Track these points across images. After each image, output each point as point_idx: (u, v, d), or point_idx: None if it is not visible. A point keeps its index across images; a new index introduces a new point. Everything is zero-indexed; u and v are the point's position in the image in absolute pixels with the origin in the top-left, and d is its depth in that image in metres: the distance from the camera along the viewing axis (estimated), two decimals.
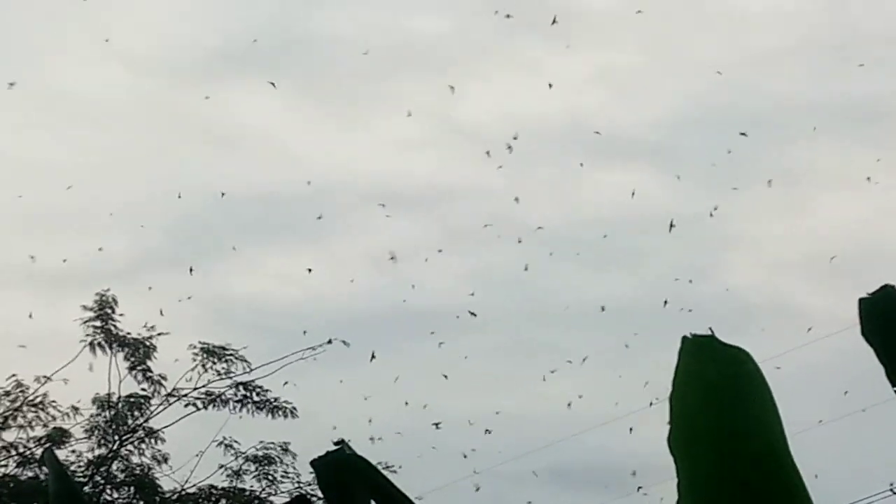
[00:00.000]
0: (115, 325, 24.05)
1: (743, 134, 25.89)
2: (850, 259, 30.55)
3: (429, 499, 23.63)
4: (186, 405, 24.07)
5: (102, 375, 23.99)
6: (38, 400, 23.99)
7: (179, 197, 26.73)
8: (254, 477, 24.25)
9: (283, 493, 24.26)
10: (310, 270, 28.37)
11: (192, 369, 24.00)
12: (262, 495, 24.20)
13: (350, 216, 29.51)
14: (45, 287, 29.92)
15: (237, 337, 25.01)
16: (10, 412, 23.86)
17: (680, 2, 32.27)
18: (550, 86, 26.78)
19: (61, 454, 23.10)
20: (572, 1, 33.43)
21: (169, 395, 24.08)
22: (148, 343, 24.07)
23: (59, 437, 23.83)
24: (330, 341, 24.09)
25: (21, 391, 24.01)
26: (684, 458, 3.24)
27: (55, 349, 24.95)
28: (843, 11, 33.90)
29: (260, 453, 24.29)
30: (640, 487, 24.62)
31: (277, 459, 24.30)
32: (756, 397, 3.25)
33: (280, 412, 24.03)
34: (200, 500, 24.20)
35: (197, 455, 24.07)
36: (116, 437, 24.17)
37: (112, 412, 24.10)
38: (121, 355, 24.05)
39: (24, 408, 23.97)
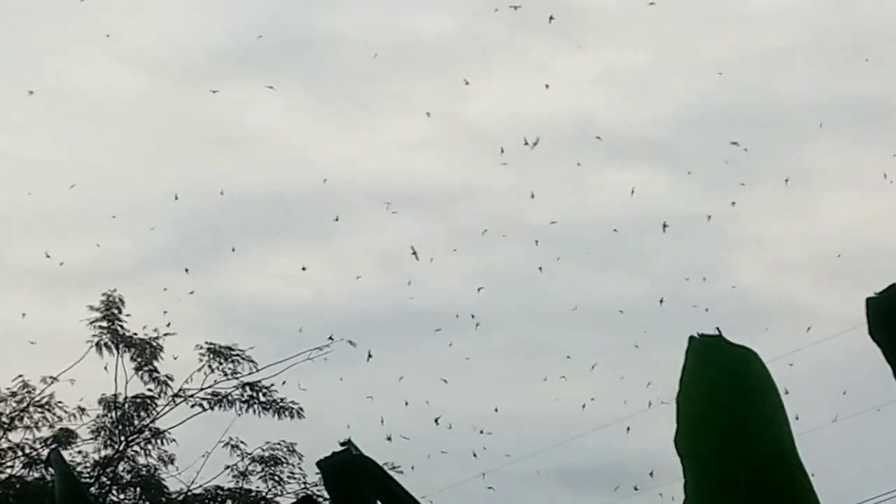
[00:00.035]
0: (121, 326, 24.07)
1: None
2: (856, 258, 30.53)
3: (436, 499, 23.64)
4: (193, 406, 24.09)
5: (109, 376, 24.03)
6: (45, 401, 24.02)
7: (176, 199, 26.71)
8: (260, 478, 24.27)
9: (289, 493, 24.27)
10: (304, 269, 28.35)
11: (199, 370, 24.04)
12: (269, 496, 24.20)
13: (354, 216, 29.51)
14: (51, 287, 29.95)
15: (244, 337, 24.97)
16: (17, 413, 23.88)
17: (685, 1, 32.26)
18: (547, 86, 26.76)
19: (67, 455, 23.11)
20: (578, 1, 33.45)
21: (175, 395, 24.09)
22: (154, 343, 24.08)
23: (65, 437, 23.84)
24: (331, 338, 24.14)
25: (27, 392, 24.04)
26: (691, 458, 3.23)
27: (61, 350, 24.93)
28: (849, 11, 33.87)
29: (266, 454, 24.29)
30: (636, 487, 24.62)
31: (284, 460, 24.31)
32: (763, 397, 3.24)
33: (286, 413, 24.04)
34: (207, 501, 24.20)
35: (203, 456, 24.10)
36: (123, 438, 24.18)
37: (118, 413, 24.11)
38: (127, 356, 24.07)
39: (31, 408, 23.99)
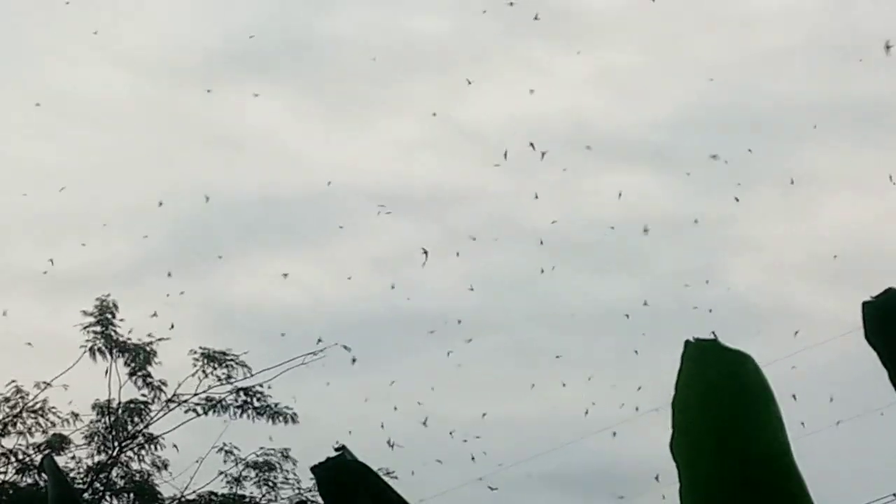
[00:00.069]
0: (115, 331, 24.04)
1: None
2: (855, 261, 30.55)
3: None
4: (186, 411, 24.08)
5: (102, 381, 24.01)
6: (38, 406, 23.98)
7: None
8: (254, 483, 24.25)
9: (283, 499, 24.27)
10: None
11: (193, 374, 24.01)
12: (263, 502, 24.19)
13: (351, 219, 29.49)
14: (44, 292, 29.91)
15: (238, 342, 25.02)
16: (10, 418, 23.85)
17: (682, 2, 32.27)
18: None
19: (61, 461, 23.07)
20: (574, 1, 33.47)
21: (169, 400, 24.07)
22: (148, 348, 24.06)
23: (58, 443, 23.81)
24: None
25: (20, 397, 24.00)
26: (686, 462, 3.23)
27: (55, 355, 24.91)
28: (846, 12, 33.90)
29: (260, 459, 24.28)
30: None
31: (278, 465, 24.29)
32: (758, 401, 3.24)
33: (280, 418, 24.03)
34: None
35: (197, 461, 24.08)
36: (116, 444, 24.15)
37: (112, 418, 24.08)
38: (121, 361, 24.05)
39: (24, 414, 23.95)
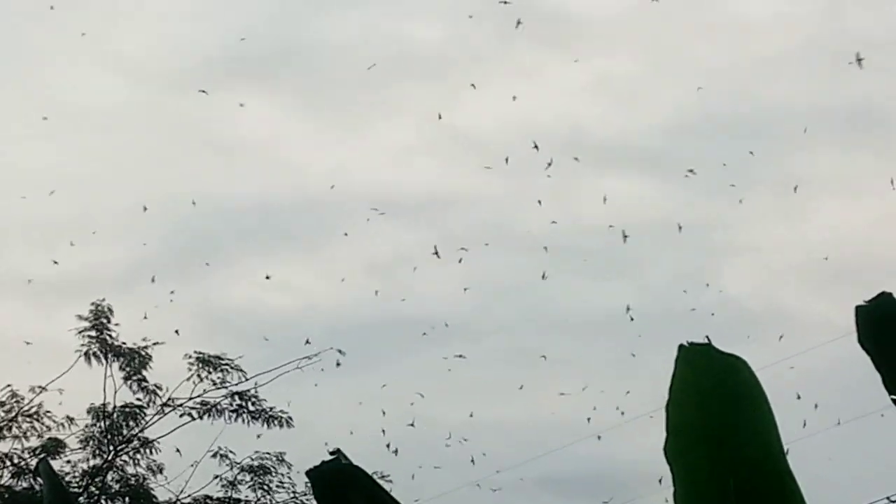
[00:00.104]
0: (110, 335, 24.03)
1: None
2: (847, 265, 30.56)
3: None
4: (182, 415, 24.05)
5: (97, 385, 23.98)
6: (33, 410, 23.96)
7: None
8: (249, 487, 24.23)
9: (278, 502, 24.25)
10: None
11: (188, 379, 23.99)
12: None
13: (347, 224, 29.48)
14: (39, 296, 29.87)
15: (233, 346, 24.93)
16: (5, 422, 23.82)
17: (678, 9, 32.29)
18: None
19: (56, 465, 23.05)
20: (571, 8, 33.50)
21: (164, 404, 24.04)
22: (143, 353, 24.04)
23: (54, 447, 23.78)
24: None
25: (16, 401, 23.98)
26: (680, 466, 3.23)
27: (50, 359, 24.88)
28: (842, 17, 33.94)
29: (255, 463, 24.26)
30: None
31: (273, 469, 24.27)
32: (752, 405, 3.25)
33: (275, 422, 24.02)
34: None
35: (192, 465, 24.05)
36: (111, 448, 24.12)
37: (107, 422, 24.06)
38: (116, 365, 24.03)
39: (19, 418, 23.93)
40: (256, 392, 24.04)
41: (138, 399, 24.11)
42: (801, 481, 3.23)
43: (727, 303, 28.27)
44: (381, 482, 3.69)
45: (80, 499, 23.41)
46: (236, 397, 24.03)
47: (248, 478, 24.24)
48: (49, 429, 24.01)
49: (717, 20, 32.79)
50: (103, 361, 23.97)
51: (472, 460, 24.80)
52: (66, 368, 23.74)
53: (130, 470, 24.24)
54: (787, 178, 29.64)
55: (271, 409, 24.03)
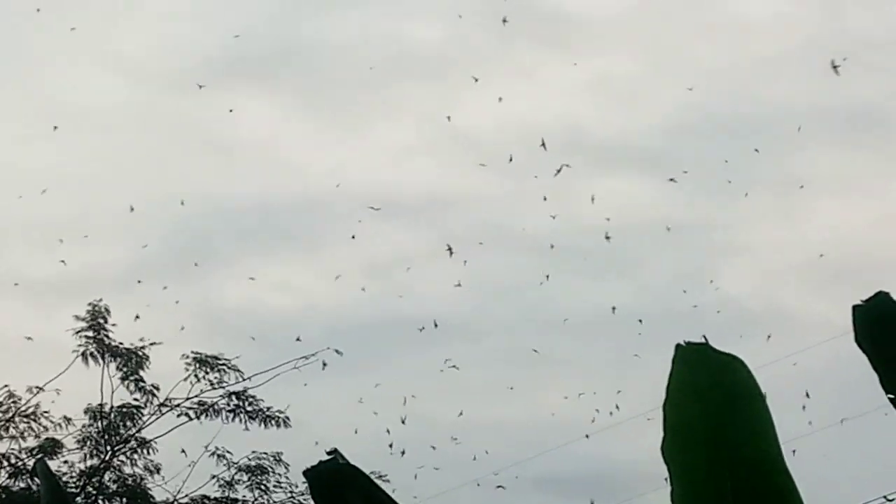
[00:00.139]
0: (107, 336, 24.02)
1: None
2: (846, 265, 30.58)
3: None
4: (179, 415, 24.05)
5: (94, 386, 23.98)
6: (30, 411, 23.95)
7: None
8: (246, 487, 24.23)
9: (276, 503, 24.24)
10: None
11: (185, 379, 23.99)
12: None
13: (346, 224, 29.48)
14: (37, 297, 29.86)
15: (230, 346, 24.92)
16: (2, 423, 23.81)
17: (677, 9, 32.30)
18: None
19: (53, 465, 23.04)
20: (570, 8, 33.51)
21: (161, 405, 24.04)
22: (140, 353, 24.03)
23: (51, 447, 23.77)
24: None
25: (13, 402, 23.97)
26: (677, 465, 3.23)
27: (47, 360, 24.87)
28: (840, 18, 33.95)
29: (252, 463, 24.25)
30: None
31: (270, 469, 24.27)
32: (749, 404, 3.25)
33: (272, 422, 24.01)
34: None
35: (189, 465, 24.05)
36: (108, 448, 24.12)
37: (104, 422, 24.05)
38: (113, 365, 24.02)
39: (16, 418, 23.92)
40: (247, 391, 24.03)
41: (135, 399, 24.11)
42: (799, 480, 3.23)
43: (727, 302, 28.27)
44: (378, 482, 3.69)
45: (78, 499, 23.40)
46: (233, 397, 24.03)
47: (245, 478, 24.24)
48: (46, 429, 24.02)
49: (716, 20, 32.81)
50: (100, 362, 23.97)
51: (475, 458, 24.84)
52: (63, 369, 23.76)
53: (128, 470, 24.25)
54: (787, 178, 29.69)
55: (268, 408, 24.04)
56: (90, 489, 24.05)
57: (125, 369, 23.99)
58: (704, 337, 3.28)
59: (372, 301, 29.18)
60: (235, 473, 24.21)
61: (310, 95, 34.91)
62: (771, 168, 30.26)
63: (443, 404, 27.35)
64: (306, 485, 3.65)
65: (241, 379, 24.03)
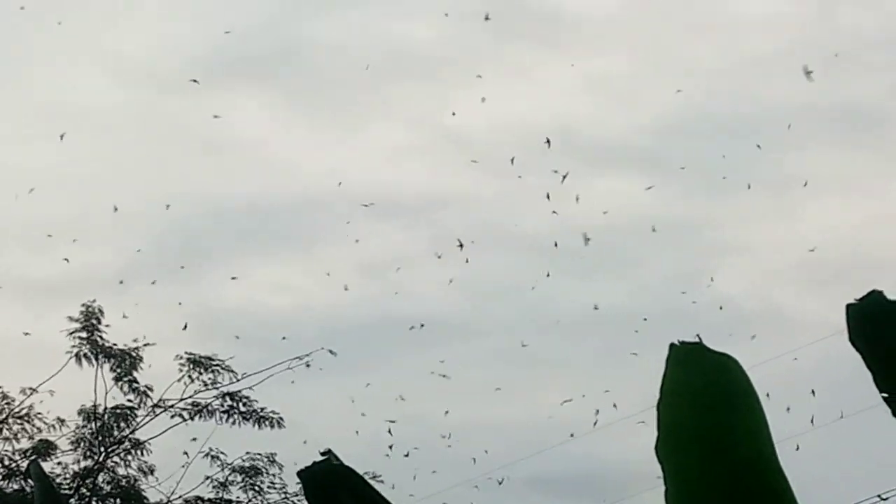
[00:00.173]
0: (101, 336, 24.00)
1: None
2: (840, 263, 30.61)
3: None
4: (173, 416, 24.04)
5: (88, 387, 23.96)
6: (24, 412, 23.94)
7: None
8: (240, 488, 24.22)
9: (269, 503, 24.25)
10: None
11: (179, 380, 23.98)
12: None
13: (343, 224, 29.47)
14: (31, 297, 29.84)
15: (224, 347, 24.91)
16: None
17: (670, 8, 32.33)
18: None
19: (47, 466, 23.02)
20: (562, 8, 33.51)
21: (155, 405, 24.03)
22: (134, 354, 24.02)
23: (44, 449, 23.76)
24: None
25: (6, 403, 23.96)
26: (671, 465, 3.23)
27: (41, 361, 24.86)
28: (838, 16, 33.99)
29: (246, 464, 24.25)
30: None
31: (264, 470, 24.27)
32: (743, 404, 3.25)
33: (266, 422, 24.01)
34: None
35: (183, 466, 24.05)
36: (102, 449, 24.11)
37: (98, 424, 24.04)
38: (107, 366, 24.01)
39: (10, 420, 23.90)
40: (239, 391, 24.04)
41: (129, 400, 24.11)
42: (792, 479, 3.23)
43: (723, 301, 28.26)
44: (372, 482, 3.69)
45: (71, 500, 23.39)
46: (227, 398, 24.02)
47: (239, 479, 24.24)
48: (40, 430, 24.02)
49: (711, 19, 32.84)
50: (94, 363, 23.96)
51: (475, 460, 24.81)
52: (56, 370, 23.75)
53: (121, 471, 24.25)
54: (784, 177, 29.69)
55: (262, 409, 24.04)
56: (84, 490, 24.03)
57: (119, 370, 23.98)
58: (699, 336, 3.29)
59: (368, 301, 29.20)
60: (229, 474, 24.22)
61: (307, 95, 34.93)
62: (768, 167, 30.27)
63: (437, 404, 27.35)
64: (300, 485, 3.65)
65: (234, 380, 24.05)
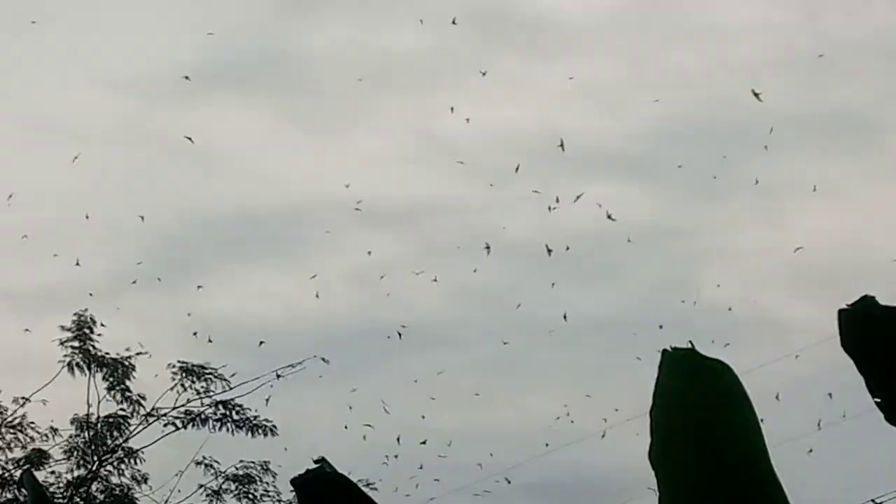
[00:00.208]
0: (93, 346, 23.98)
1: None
2: (830, 269, 30.66)
3: None
4: (166, 425, 24.02)
5: (81, 396, 23.94)
6: (17, 421, 23.90)
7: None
8: (234, 496, 24.20)
9: None
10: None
11: (171, 388, 23.96)
12: None
13: (329, 233, 29.48)
14: (24, 308, 29.79)
15: (216, 356, 24.89)
16: None
17: (658, 16, 32.40)
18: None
19: (40, 476, 22.99)
20: (552, 15, 33.57)
21: (148, 414, 24.01)
22: (126, 363, 24.00)
23: (37, 458, 23.73)
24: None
25: None
26: (665, 471, 3.24)
27: (33, 370, 24.83)
28: (822, 23, 34.09)
29: (240, 472, 24.23)
30: None
31: (258, 478, 24.25)
32: (736, 409, 3.25)
33: (260, 430, 23.99)
34: None
35: (177, 475, 24.02)
36: (96, 458, 24.08)
37: (91, 433, 24.01)
38: (99, 375, 23.98)
39: (3, 429, 23.87)
40: (232, 400, 24.03)
41: (122, 409, 24.08)
42: (786, 485, 3.24)
43: (711, 307, 28.31)
44: (366, 489, 3.69)
45: None
46: (220, 406, 24.01)
47: (233, 487, 24.22)
48: (33, 440, 23.99)
49: (697, 27, 32.92)
50: (86, 372, 23.93)
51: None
52: (49, 379, 23.71)
53: (115, 480, 24.22)
54: (771, 183, 29.74)
55: (255, 417, 24.02)
56: (78, 500, 24.00)
57: (111, 379, 23.95)
58: (691, 342, 3.29)
59: (359, 308, 29.21)
60: (223, 482, 24.19)
61: (295, 105, 34.93)
62: (755, 173, 30.31)
63: (427, 412, 27.35)
64: (293, 493, 3.65)
65: (227, 388, 24.04)
